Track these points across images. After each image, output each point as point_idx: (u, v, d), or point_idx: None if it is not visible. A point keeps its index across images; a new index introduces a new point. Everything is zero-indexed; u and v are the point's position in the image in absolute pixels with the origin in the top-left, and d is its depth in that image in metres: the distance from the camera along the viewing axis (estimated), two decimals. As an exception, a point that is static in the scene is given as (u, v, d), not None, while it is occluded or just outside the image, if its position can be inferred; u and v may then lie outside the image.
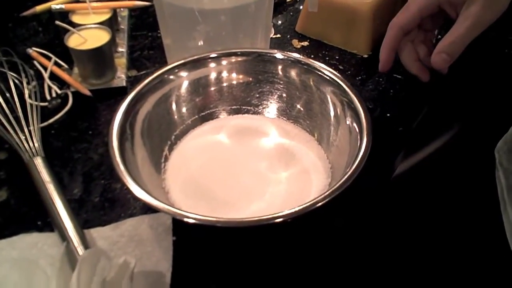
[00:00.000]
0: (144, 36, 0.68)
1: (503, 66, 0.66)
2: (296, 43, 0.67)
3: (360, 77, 0.62)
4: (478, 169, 0.61)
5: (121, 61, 0.61)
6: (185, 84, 0.49)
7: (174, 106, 0.48)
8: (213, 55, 0.49)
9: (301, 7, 0.72)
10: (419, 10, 0.53)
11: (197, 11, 0.49)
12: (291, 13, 0.73)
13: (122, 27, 0.67)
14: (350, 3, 0.63)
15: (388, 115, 0.57)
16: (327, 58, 0.64)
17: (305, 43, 0.67)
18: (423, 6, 0.53)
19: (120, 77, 0.59)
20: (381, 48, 0.56)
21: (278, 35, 0.68)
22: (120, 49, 0.63)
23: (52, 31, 0.67)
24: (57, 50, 0.63)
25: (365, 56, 0.65)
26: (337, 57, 0.65)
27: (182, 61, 0.48)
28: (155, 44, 0.66)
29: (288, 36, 0.68)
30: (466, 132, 0.62)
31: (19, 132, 0.49)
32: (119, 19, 0.67)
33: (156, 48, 0.65)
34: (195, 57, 0.49)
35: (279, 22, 0.71)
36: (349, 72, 0.62)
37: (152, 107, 0.46)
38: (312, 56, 0.65)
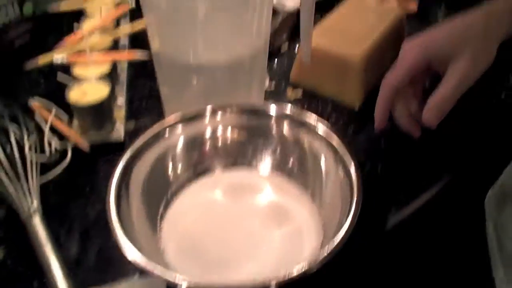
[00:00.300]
0: (142, 85, 0.69)
1: (491, 115, 0.68)
2: (289, 94, 0.69)
3: (352, 129, 0.63)
4: (468, 220, 0.62)
5: (120, 114, 0.62)
6: (181, 141, 0.50)
7: (170, 164, 0.49)
8: (208, 110, 0.51)
9: (295, 54, 0.74)
10: (409, 69, 0.55)
11: (194, 66, 0.51)
12: (285, 62, 0.75)
13: (122, 77, 0.69)
14: (342, 55, 0.65)
15: (379, 168, 0.58)
16: (320, 109, 0.66)
17: (299, 95, 0.69)
18: (413, 64, 0.55)
19: (119, 130, 0.60)
20: (376, 107, 0.58)
21: (273, 85, 0.70)
22: (119, 101, 0.65)
23: (54, 81, 0.69)
24: (58, 100, 0.64)
25: (357, 107, 0.67)
26: (329, 109, 0.66)
27: (178, 117, 0.49)
28: (153, 93, 0.68)
29: (283, 86, 0.70)
30: (457, 182, 0.64)
31: (17, 188, 0.51)
32: (119, 69, 0.69)
33: (154, 98, 0.66)
34: (190, 112, 0.50)
35: (274, 70, 0.73)
36: (341, 123, 0.64)
37: (148, 166, 0.47)
38: (306, 106, 0.67)
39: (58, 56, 0.60)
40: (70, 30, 0.77)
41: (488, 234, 0.59)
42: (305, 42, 0.57)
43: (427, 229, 0.54)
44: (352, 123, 0.64)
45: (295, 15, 0.80)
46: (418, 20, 0.83)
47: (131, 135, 0.61)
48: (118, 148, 0.60)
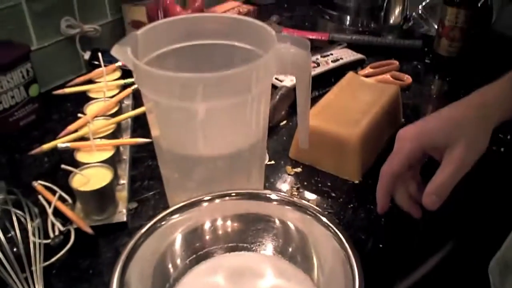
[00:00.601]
0: (145, 165, 0.71)
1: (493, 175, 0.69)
2: (289, 169, 0.70)
3: (352, 205, 0.64)
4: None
5: (122, 195, 0.63)
6: (181, 228, 0.50)
7: (172, 251, 0.49)
8: (207, 197, 0.51)
9: (294, 130, 0.76)
10: (407, 157, 0.56)
11: (195, 157, 0.53)
12: (285, 137, 0.77)
13: (124, 157, 0.70)
14: (340, 134, 0.67)
15: (381, 245, 0.58)
16: (319, 185, 0.67)
17: (298, 170, 0.70)
18: (410, 153, 0.56)
19: (121, 212, 0.61)
20: (377, 193, 0.59)
21: (273, 162, 0.72)
22: (121, 181, 0.66)
23: (58, 164, 0.70)
24: (61, 182, 0.65)
25: (356, 182, 0.68)
26: (329, 184, 0.68)
27: (178, 206, 0.50)
28: (155, 173, 0.69)
29: (282, 162, 0.72)
30: (460, 250, 0.64)
31: (19, 273, 0.51)
32: (121, 148, 0.71)
33: (156, 179, 0.68)
34: (190, 200, 0.51)
35: (273, 146, 0.75)
36: (341, 200, 0.65)
37: (150, 254, 0.47)
38: (305, 183, 0.68)
39: (62, 144, 0.62)
40: (74, 111, 0.80)
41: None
42: (302, 129, 0.59)
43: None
44: (352, 199, 0.65)
45: (292, 90, 0.83)
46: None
47: (134, 216, 0.62)
48: (121, 228, 0.60)
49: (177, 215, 0.49)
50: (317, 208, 0.50)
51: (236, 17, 0.55)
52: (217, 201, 0.52)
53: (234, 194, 0.52)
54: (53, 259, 0.55)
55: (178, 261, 0.50)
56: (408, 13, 1.22)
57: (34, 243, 0.55)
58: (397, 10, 1.26)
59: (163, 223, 0.49)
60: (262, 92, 0.51)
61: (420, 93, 0.90)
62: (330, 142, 0.67)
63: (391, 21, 1.25)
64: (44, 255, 0.55)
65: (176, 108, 0.48)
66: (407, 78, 0.92)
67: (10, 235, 0.55)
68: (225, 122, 0.52)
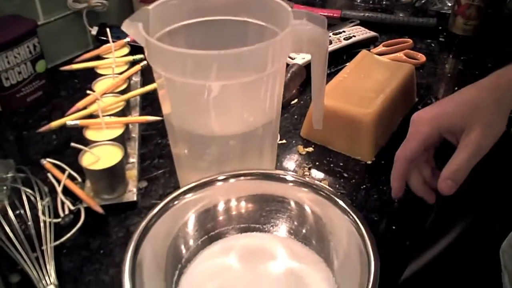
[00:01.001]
0: (154, 143, 0.70)
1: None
2: (301, 149, 0.69)
3: (364, 186, 0.63)
4: (485, 268, 0.61)
5: (132, 173, 0.62)
6: (194, 208, 0.50)
7: (184, 231, 0.49)
8: (221, 177, 0.51)
9: (306, 108, 0.75)
10: (423, 141, 0.55)
11: (207, 136, 0.52)
12: (295, 116, 0.76)
13: (133, 135, 0.69)
14: (353, 114, 0.65)
15: (394, 227, 0.57)
16: (331, 165, 0.66)
17: (310, 149, 0.69)
18: (426, 137, 0.55)
19: (131, 191, 0.60)
20: (392, 178, 0.58)
21: (284, 141, 0.71)
22: (131, 160, 0.65)
23: (66, 141, 0.69)
24: (70, 160, 0.64)
25: (369, 162, 0.67)
26: (341, 164, 0.66)
27: (191, 185, 0.49)
28: (165, 151, 0.68)
29: (293, 142, 0.71)
30: (472, 231, 0.63)
31: (30, 253, 0.50)
32: (130, 126, 0.70)
33: (165, 157, 0.67)
34: (203, 180, 0.50)
35: (284, 125, 0.74)
36: (353, 181, 0.64)
37: (162, 234, 0.47)
38: (317, 163, 0.67)
39: (70, 122, 0.61)
40: (82, 87, 0.79)
41: (504, 284, 0.58)
42: (317, 109, 0.58)
43: (444, 279, 0.53)
44: (365, 180, 0.64)
45: (304, 68, 0.81)
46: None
47: (144, 195, 0.62)
48: (131, 207, 0.60)
49: (190, 195, 0.48)
50: (333, 190, 0.49)
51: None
52: (231, 181, 0.51)
53: (248, 174, 0.51)
54: (63, 239, 0.55)
55: (191, 242, 0.49)
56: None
57: (45, 222, 0.54)
58: (410, -13, 1.23)
59: (175, 202, 0.48)
60: (278, 70, 0.50)
61: (434, 72, 0.88)
62: (343, 122, 0.66)
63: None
64: (54, 234, 0.55)
65: (189, 85, 0.47)
66: (421, 57, 0.90)
67: (18, 212, 0.55)
68: (239, 100, 0.51)
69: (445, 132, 0.55)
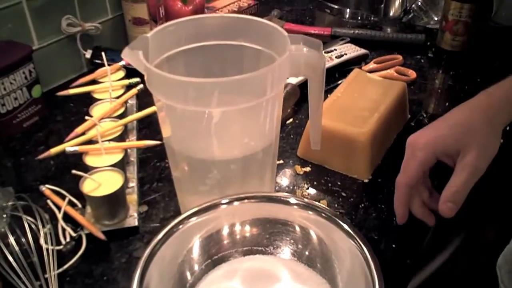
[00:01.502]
0: (152, 166, 0.70)
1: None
2: (298, 169, 0.70)
3: (363, 204, 0.64)
4: (482, 282, 0.62)
5: (132, 198, 0.63)
6: (199, 232, 0.50)
7: (189, 256, 0.49)
8: (224, 200, 0.51)
9: (301, 128, 0.76)
10: (421, 166, 0.56)
11: (208, 161, 0.52)
12: (292, 136, 0.77)
13: (132, 159, 0.70)
14: (348, 133, 0.66)
15: (394, 245, 0.58)
16: (329, 184, 0.67)
17: (308, 169, 0.70)
18: (423, 162, 0.56)
19: (132, 216, 0.60)
20: (395, 206, 0.59)
21: (281, 161, 0.71)
22: (131, 184, 0.65)
23: (65, 167, 0.69)
24: (69, 186, 0.64)
25: (366, 180, 0.68)
26: (339, 183, 0.67)
27: (195, 209, 0.49)
28: (164, 174, 0.68)
29: (291, 162, 0.71)
30: (468, 246, 0.64)
31: (33, 281, 0.50)
32: (129, 150, 0.70)
33: (164, 180, 0.67)
34: (207, 204, 0.50)
35: (281, 145, 0.74)
36: (351, 200, 0.65)
37: (168, 260, 0.47)
38: (315, 183, 0.67)
39: (70, 148, 0.61)
40: (78, 111, 0.79)
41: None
42: (315, 131, 0.59)
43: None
44: (363, 199, 0.65)
45: (298, 88, 0.82)
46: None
47: (144, 219, 0.62)
48: (133, 232, 0.60)
49: (194, 219, 0.49)
50: (335, 212, 0.50)
51: (245, 17, 0.55)
52: (235, 204, 0.51)
53: (251, 197, 0.52)
54: (66, 266, 0.55)
55: (196, 266, 0.50)
56: (408, 5, 1.21)
57: (47, 250, 0.55)
58: (397, 2, 1.26)
59: (180, 227, 0.48)
60: (276, 94, 0.51)
61: (424, 88, 0.90)
62: (339, 141, 0.67)
63: (391, 14, 1.25)
64: (56, 262, 0.55)
65: (190, 112, 0.48)
66: (412, 73, 0.91)
67: (19, 240, 0.55)
68: (239, 125, 0.52)
69: (441, 155, 0.56)
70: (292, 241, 0.52)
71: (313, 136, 0.60)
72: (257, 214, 0.52)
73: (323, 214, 0.49)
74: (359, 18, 1.22)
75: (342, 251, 0.48)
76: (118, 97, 0.72)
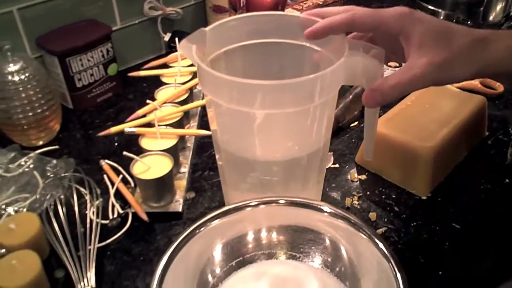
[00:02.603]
0: (208, 154, 0.71)
1: None
2: (353, 176, 0.67)
3: (415, 223, 0.60)
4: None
5: (181, 184, 0.64)
6: (227, 231, 0.50)
7: (214, 253, 0.49)
8: (254, 202, 0.50)
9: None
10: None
11: (251, 160, 0.51)
12: (353, 140, 0.74)
13: (189, 145, 0.71)
14: (411, 146, 0.62)
15: (440, 272, 0.54)
16: (383, 196, 0.64)
17: (363, 177, 0.67)
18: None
19: (178, 201, 0.62)
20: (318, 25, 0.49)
21: (337, 165, 0.69)
22: (182, 169, 0.66)
23: (127, 144, 0.72)
24: (128, 163, 0.67)
25: (424, 197, 0.63)
26: (394, 196, 0.64)
27: (224, 209, 0.49)
28: (216, 164, 0.69)
29: (347, 167, 0.69)
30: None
31: (73, 252, 0.53)
32: (186, 136, 0.71)
33: (216, 169, 0.67)
34: (240, 203, 0.50)
35: (340, 148, 0.72)
36: (404, 216, 0.61)
37: (193, 256, 0.47)
38: (368, 192, 0.64)
39: (128, 129, 0.63)
40: (149, 92, 0.82)
41: None
42: (368, 141, 0.56)
43: None
44: (416, 217, 0.61)
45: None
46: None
47: (190, 205, 0.63)
48: (176, 217, 0.61)
49: (224, 218, 0.48)
50: (372, 229, 0.47)
51: (306, 17, 0.53)
52: (268, 206, 0.50)
53: (284, 201, 0.50)
54: (108, 241, 0.57)
55: (221, 265, 0.49)
56: (511, 10, 1.11)
57: (93, 222, 0.57)
58: (499, 7, 1.15)
59: (203, 228, 0.48)
60: (326, 102, 0.48)
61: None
62: (400, 153, 0.63)
63: (491, 18, 1.15)
64: (101, 236, 0.58)
65: (234, 111, 0.47)
66: (499, 86, 0.84)
67: (70, 211, 0.58)
68: (284, 129, 0.50)
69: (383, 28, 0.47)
70: (324, 251, 0.50)
71: (366, 146, 0.57)
72: (288, 220, 0.50)
73: (360, 230, 0.47)
74: (453, 21, 1.14)
75: (373, 270, 0.46)
76: (184, 83, 0.73)
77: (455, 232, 0.58)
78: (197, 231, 0.47)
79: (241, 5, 0.94)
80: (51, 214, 0.56)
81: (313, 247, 0.51)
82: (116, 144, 0.73)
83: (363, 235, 0.47)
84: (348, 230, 0.48)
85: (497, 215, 0.61)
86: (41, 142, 0.73)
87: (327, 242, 0.50)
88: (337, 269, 0.49)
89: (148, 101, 0.68)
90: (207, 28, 0.50)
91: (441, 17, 1.15)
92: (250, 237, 0.51)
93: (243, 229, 0.51)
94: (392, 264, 0.44)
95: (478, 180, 0.66)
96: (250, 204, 0.49)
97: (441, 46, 0.46)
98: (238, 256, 0.50)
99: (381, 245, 0.45)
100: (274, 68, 0.57)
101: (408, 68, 0.46)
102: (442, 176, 0.66)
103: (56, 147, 0.72)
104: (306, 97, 0.45)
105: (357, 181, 0.66)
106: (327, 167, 0.66)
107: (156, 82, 0.77)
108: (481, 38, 0.47)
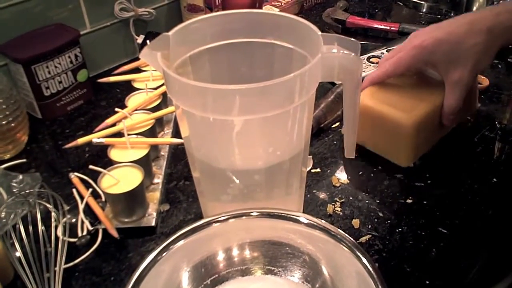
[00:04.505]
0: (183, 163, 0.68)
1: None
2: (335, 180, 0.64)
3: (400, 229, 0.57)
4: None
5: (154, 196, 0.61)
6: (198, 250, 0.47)
7: (186, 273, 0.46)
8: (224, 217, 0.46)
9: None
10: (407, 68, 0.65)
11: (231, 172, 0.48)
12: (335, 142, 0.71)
13: (163, 153, 0.67)
14: (394, 116, 0.63)
15: (427, 282, 0.51)
16: (367, 202, 0.61)
17: (345, 181, 0.64)
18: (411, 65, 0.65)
19: (151, 215, 0.58)
20: (370, 77, 0.67)
21: (318, 169, 0.66)
22: (156, 180, 0.63)
23: (99, 155, 0.68)
24: (98, 175, 0.64)
25: (409, 201, 0.61)
26: (377, 200, 0.61)
27: (202, 222, 0.46)
28: (191, 174, 0.66)
29: (328, 171, 0.66)
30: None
31: (39, 275, 0.50)
32: (160, 146, 0.68)
33: (192, 179, 0.64)
34: (214, 217, 0.46)
35: (321, 151, 0.69)
36: (388, 222, 0.58)
37: (164, 276, 0.44)
38: (351, 197, 0.61)
39: (96, 140, 0.60)
40: (122, 98, 0.78)
41: None
42: (348, 139, 0.53)
43: None
44: (402, 220, 0.58)
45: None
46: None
47: (164, 219, 0.60)
48: (150, 232, 0.58)
49: (194, 235, 0.45)
50: (352, 240, 0.44)
51: (275, 13, 0.50)
52: (245, 218, 0.47)
53: (261, 213, 0.47)
54: (76, 261, 0.54)
55: (194, 285, 0.46)
56: (495, 0, 1.09)
57: (58, 241, 0.54)
58: (483, -3, 1.13)
59: (172, 246, 0.45)
60: (306, 101, 0.45)
61: (498, 98, 0.79)
62: (383, 123, 0.64)
63: (474, 9, 1.12)
64: (70, 254, 0.54)
65: (210, 120, 0.44)
66: (484, 80, 0.81)
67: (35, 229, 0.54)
68: (264, 135, 0.47)
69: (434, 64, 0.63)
70: (304, 264, 0.47)
71: (347, 144, 0.54)
72: (267, 232, 0.47)
73: (340, 240, 0.44)
74: (437, 12, 1.11)
75: (351, 278, 0.43)
76: (156, 88, 0.70)
77: (442, 237, 0.56)
78: (166, 250, 0.44)
79: (217, 3, 0.91)
80: (15, 234, 0.52)
81: (291, 261, 0.48)
82: (86, 155, 0.69)
83: (343, 247, 0.44)
84: (328, 242, 0.45)
85: (485, 218, 0.58)
86: (8, 156, 0.69)
87: (306, 255, 0.47)
88: (317, 284, 0.46)
89: (117, 109, 0.65)
90: (170, 33, 0.47)
91: (424, 9, 1.13)
92: (224, 253, 0.48)
93: (216, 245, 0.48)
94: (374, 279, 0.41)
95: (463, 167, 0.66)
96: (222, 218, 0.46)
97: (462, 56, 0.60)
98: (212, 274, 0.48)
99: (364, 259, 0.42)
100: (244, 70, 0.53)
101: (452, 86, 0.63)
102: (426, 147, 0.67)
103: (24, 160, 0.69)
104: (286, 98, 0.43)
105: (339, 186, 0.63)
106: (306, 170, 0.63)
107: (131, 87, 0.73)
108: (487, 27, 0.60)
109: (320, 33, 0.46)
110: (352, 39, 0.46)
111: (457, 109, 0.63)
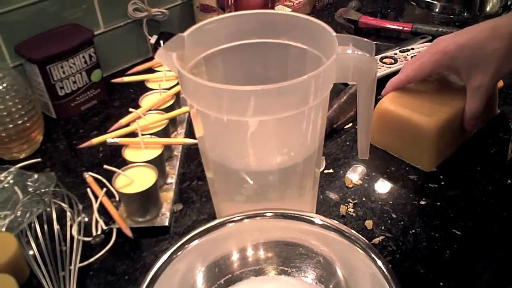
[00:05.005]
0: (196, 163, 0.68)
1: None
2: (348, 181, 0.64)
3: (414, 230, 0.57)
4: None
5: (168, 196, 0.61)
6: (212, 250, 0.47)
7: (201, 273, 0.46)
8: (239, 217, 0.46)
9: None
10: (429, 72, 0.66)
11: (245, 172, 0.48)
12: (348, 143, 0.71)
13: (176, 153, 0.68)
14: (416, 120, 0.63)
15: (441, 283, 0.51)
16: (380, 203, 0.61)
17: (358, 182, 0.64)
18: (434, 70, 0.65)
19: (165, 215, 0.59)
20: (392, 82, 0.68)
21: (331, 170, 0.66)
22: (169, 180, 0.63)
23: (113, 155, 0.69)
24: (112, 174, 0.64)
25: (422, 203, 0.60)
26: (390, 202, 0.61)
27: (217, 221, 0.46)
28: (204, 174, 0.66)
29: (341, 172, 0.66)
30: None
31: (54, 274, 0.50)
32: (173, 146, 0.68)
33: (205, 179, 0.64)
34: (228, 217, 0.47)
35: (334, 152, 0.69)
36: (402, 223, 0.58)
37: (179, 275, 0.44)
38: (364, 198, 0.61)
39: (111, 139, 0.60)
40: (136, 98, 0.79)
41: None
42: (362, 140, 0.53)
43: None
44: (415, 222, 0.58)
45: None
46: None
47: (178, 218, 0.60)
48: (163, 231, 0.58)
49: (209, 235, 0.45)
50: (366, 241, 0.44)
51: (289, 13, 0.50)
52: (259, 219, 0.47)
53: (275, 214, 0.47)
54: (91, 259, 0.55)
55: (208, 285, 0.47)
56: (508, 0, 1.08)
57: (73, 240, 0.54)
58: (496, -3, 1.12)
59: (187, 246, 0.45)
60: (321, 102, 0.45)
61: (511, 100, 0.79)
62: (405, 128, 0.64)
63: (488, 9, 1.12)
64: (84, 254, 0.55)
65: (224, 121, 0.44)
66: (499, 82, 0.80)
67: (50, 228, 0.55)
68: (278, 136, 0.47)
69: (456, 69, 0.63)
70: (318, 265, 0.47)
71: (360, 145, 0.54)
72: (281, 232, 0.47)
73: (353, 241, 0.44)
74: (450, 12, 1.11)
75: (365, 279, 0.43)
76: (170, 88, 0.70)
77: (456, 239, 0.56)
78: (181, 250, 0.44)
79: (230, 3, 0.91)
80: (31, 233, 0.53)
81: (305, 262, 0.48)
82: (101, 155, 0.70)
83: (358, 248, 0.44)
84: (342, 243, 0.45)
85: (499, 219, 0.58)
86: (24, 155, 0.70)
87: (320, 256, 0.47)
88: (331, 285, 0.46)
89: (131, 109, 0.65)
90: (185, 33, 0.47)
91: (437, 9, 1.12)
92: (238, 253, 0.48)
93: (231, 245, 0.48)
94: (389, 281, 0.41)
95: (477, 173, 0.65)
96: (237, 219, 0.46)
97: (483, 62, 0.61)
98: (226, 274, 0.48)
99: (378, 261, 0.42)
100: (258, 71, 0.53)
101: (474, 92, 0.63)
102: (448, 152, 0.67)
103: (39, 160, 0.69)
104: (301, 100, 0.43)
105: (352, 187, 0.63)
106: (320, 171, 0.63)
107: (144, 87, 0.74)
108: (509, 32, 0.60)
109: (335, 34, 0.46)
110: (367, 40, 0.46)
111: (478, 114, 0.64)
